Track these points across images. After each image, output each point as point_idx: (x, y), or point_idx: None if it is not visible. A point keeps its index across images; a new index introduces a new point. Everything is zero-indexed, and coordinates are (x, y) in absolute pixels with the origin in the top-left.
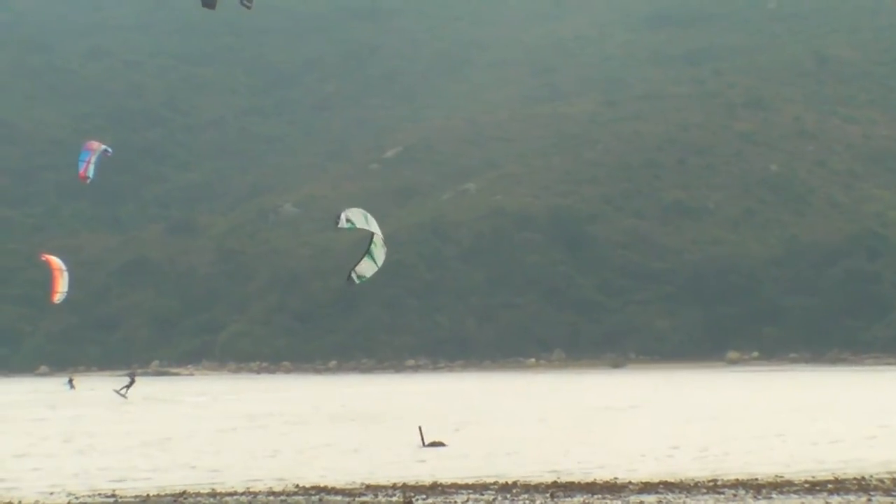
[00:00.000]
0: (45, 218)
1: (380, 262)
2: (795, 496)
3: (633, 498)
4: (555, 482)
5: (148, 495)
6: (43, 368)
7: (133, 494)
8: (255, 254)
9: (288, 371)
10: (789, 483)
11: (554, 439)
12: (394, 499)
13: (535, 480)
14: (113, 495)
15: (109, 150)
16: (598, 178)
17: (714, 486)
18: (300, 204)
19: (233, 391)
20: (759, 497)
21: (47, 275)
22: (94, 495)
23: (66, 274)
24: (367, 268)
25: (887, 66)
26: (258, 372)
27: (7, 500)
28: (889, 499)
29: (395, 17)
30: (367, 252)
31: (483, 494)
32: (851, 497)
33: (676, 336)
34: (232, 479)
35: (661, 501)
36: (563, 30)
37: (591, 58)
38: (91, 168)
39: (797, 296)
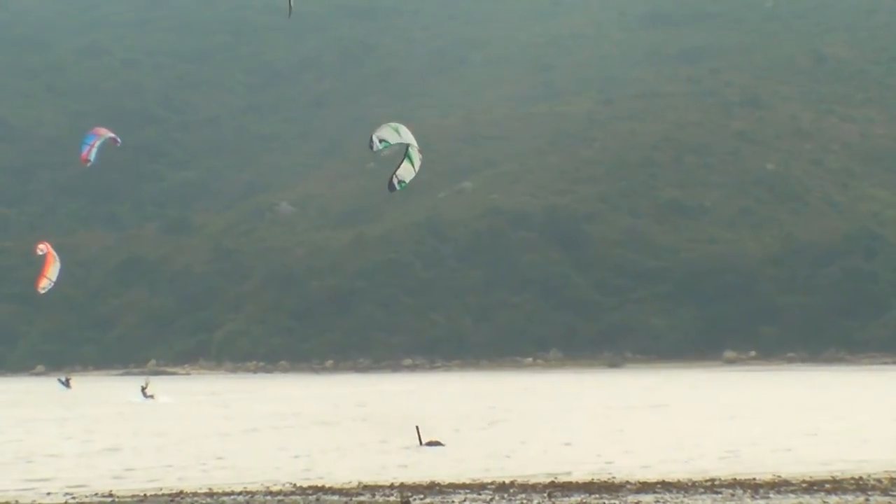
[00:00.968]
0: (41, 216)
1: (417, 168)
2: (793, 496)
3: (630, 498)
4: (552, 482)
5: (145, 495)
6: (39, 368)
7: (130, 494)
8: (251, 252)
9: (285, 371)
10: (787, 483)
11: (609, 438)
12: (391, 498)
13: (532, 480)
14: (110, 495)
15: (118, 139)
16: (594, 177)
17: (711, 486)
18: (296, 202)
19: (242, 389)
20: (757, 497)
21: (41, 261)
22: (92, 495)
23: (58, 264)
24: (407, 172)
25: (884, 65)
26: (255, 371)
27: (5, 501)
28: (887, 498)
29: (392, 16)
30: (406, 156)
31: (480, 494)
32: (849, 497)
33: (673, 335)
34: (248, 478)
35: (658, 501)
36: (560, 29)
37: (587, 57)
38: (94, 152)
39: (794, 295)
